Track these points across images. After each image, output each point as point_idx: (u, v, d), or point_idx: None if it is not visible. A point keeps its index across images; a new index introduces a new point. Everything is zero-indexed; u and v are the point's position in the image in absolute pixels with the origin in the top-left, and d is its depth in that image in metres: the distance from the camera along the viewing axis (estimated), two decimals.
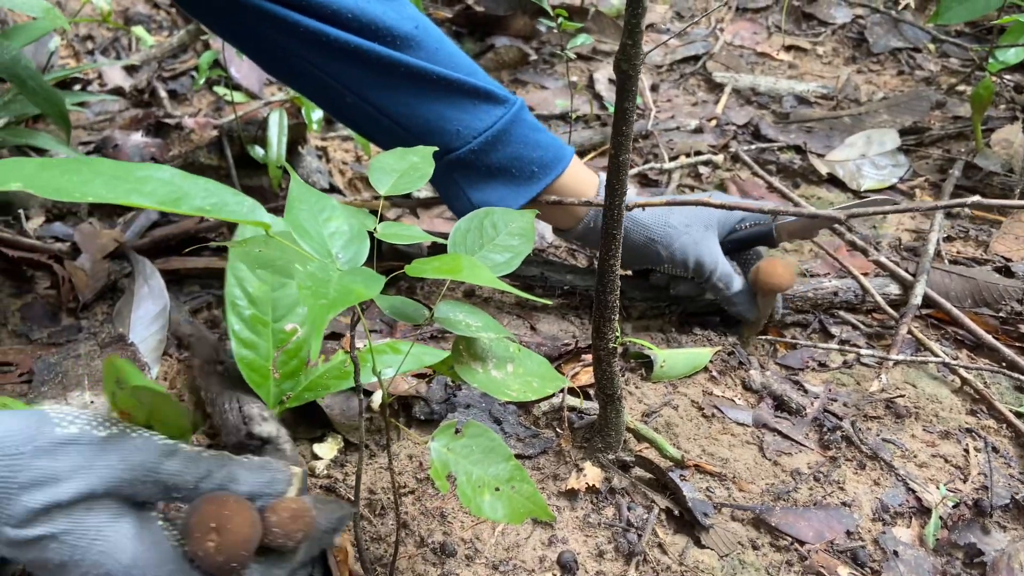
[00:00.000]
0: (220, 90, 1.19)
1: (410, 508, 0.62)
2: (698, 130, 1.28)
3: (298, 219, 0.43)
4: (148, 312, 0.77)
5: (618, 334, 0.60)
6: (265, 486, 0.48)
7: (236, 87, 1.21)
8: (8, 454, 0.42)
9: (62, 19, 0.81)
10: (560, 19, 1.01)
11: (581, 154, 1.20)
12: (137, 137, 0.97)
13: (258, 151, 0.97)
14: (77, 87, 1.10)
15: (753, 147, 1.23)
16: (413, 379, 0.74)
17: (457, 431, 0.46)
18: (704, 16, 1.70)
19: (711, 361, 0.80)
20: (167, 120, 1.00)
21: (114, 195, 0.36)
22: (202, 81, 0.98)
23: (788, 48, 1.59)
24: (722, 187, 1.16)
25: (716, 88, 1.44)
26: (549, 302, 0.60)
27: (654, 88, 1.41)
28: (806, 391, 0.78)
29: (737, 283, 0.80)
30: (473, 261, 0.43)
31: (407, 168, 0.52)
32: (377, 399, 0.72)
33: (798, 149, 1.23)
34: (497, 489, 0.44)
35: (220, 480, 0.47)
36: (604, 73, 1.39)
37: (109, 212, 0.93)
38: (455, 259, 0.43)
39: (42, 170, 0.36)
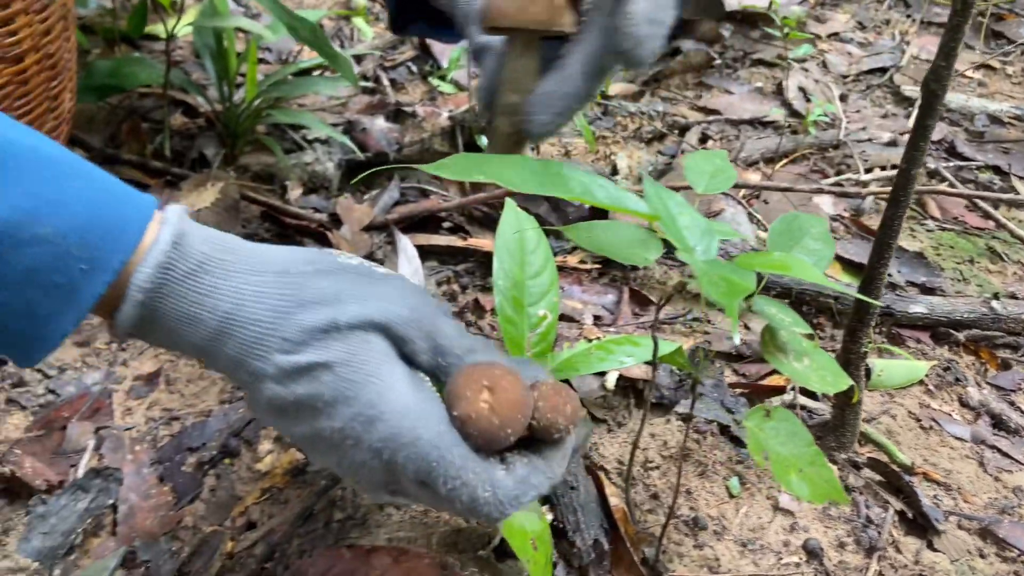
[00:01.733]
0: (434, 81, 1.27)
1: (658, 482, 0.67)
2: (891, 143, 1.27)
3: (665, 208, 0.47)
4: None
5: (870, 339, 0.63)
6: (528, 375, 0.44)
7: (443, 78, 1.28)
8: (289, 272, 0.41)
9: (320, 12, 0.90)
10: (787, 29, 1.03)
11: (771, 161, 1.22)
12: (380, 122, 1.06)
13: (483, 140, 1.04)
14: (315, 73, 1.20)
15: (951, 164, 1.21)
16: (644, 365, 0.79)
17: (767, 414, 0.51)
18: (886, 27, 1.67)
19: (926, 375, 0.82)
20: (405, 108, 1.09)
21: (548, 189, 0.42)
22: (450, 76, 1.05)
23: (978, 67, 1.54)
24: (920, 203, 1.15)
25: (904, 101, 1.42)
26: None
27: (843, 98, 1.40)
28: (1023, 411, 0.78)
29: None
30: (802, 261, 0.47)
31: (714, 170, 0.57)
32: (611, 380, 0.78)
33: (997, 169, 1.21)
34: (800, 470, 0.49)
35: (485, 359, 0.44)
36: (795, 80, 1.39)
37: (355, 188, 1.02)
38: (787, 258, 0.48)
39: (492, 165, 0.42)
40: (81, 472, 0.62)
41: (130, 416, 0.69)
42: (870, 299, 0.60)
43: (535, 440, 0.43)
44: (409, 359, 0.43)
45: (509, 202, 0.78)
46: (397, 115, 1.09)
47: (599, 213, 0.95)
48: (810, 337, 0.57)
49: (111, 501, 0.59)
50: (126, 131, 1.01)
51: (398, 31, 0.77)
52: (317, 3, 1.45)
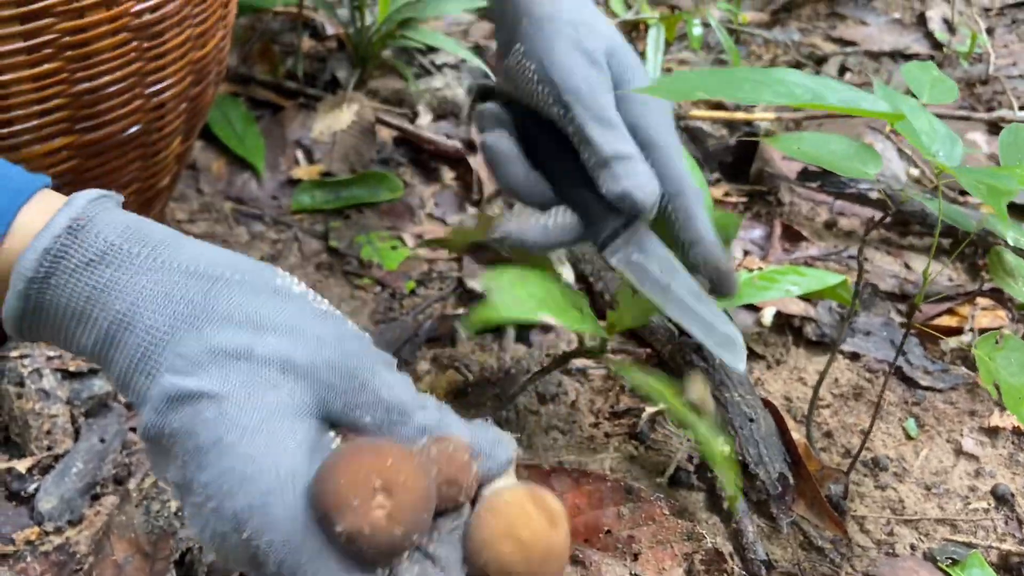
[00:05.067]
0: None
1: (829, 420, 0.64)
2: None
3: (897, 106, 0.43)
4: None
5: None
6: (488, 445, 0.36)
7: None
8: (209, 277, 0.35)
9: None
10: None
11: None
12: None
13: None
14: None
15: None
16: (802, 302, 0.75)
17: (997, 342, 0.46)
18: None
19: None
20: None
21: (770, 97, 0.38)
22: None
23: None
24: None
25: None
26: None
27: (990, 31, 1.29)
28: None
29: None
30: None
31: (933, 80, 0.51)
32: (768, 316, 0.74)
33: None
34: None
35: (437, 419, 0.36)
36: (938, 11, 1.29)
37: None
38: None
39: (708, 79, 0.38)
40: None
41: None
42: None
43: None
44: (337, 416, 0.35)
45: None
46: None
47: (744, 148, 0.90)
48: None
49: None
50: (257, 52, 1.00)
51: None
52: None
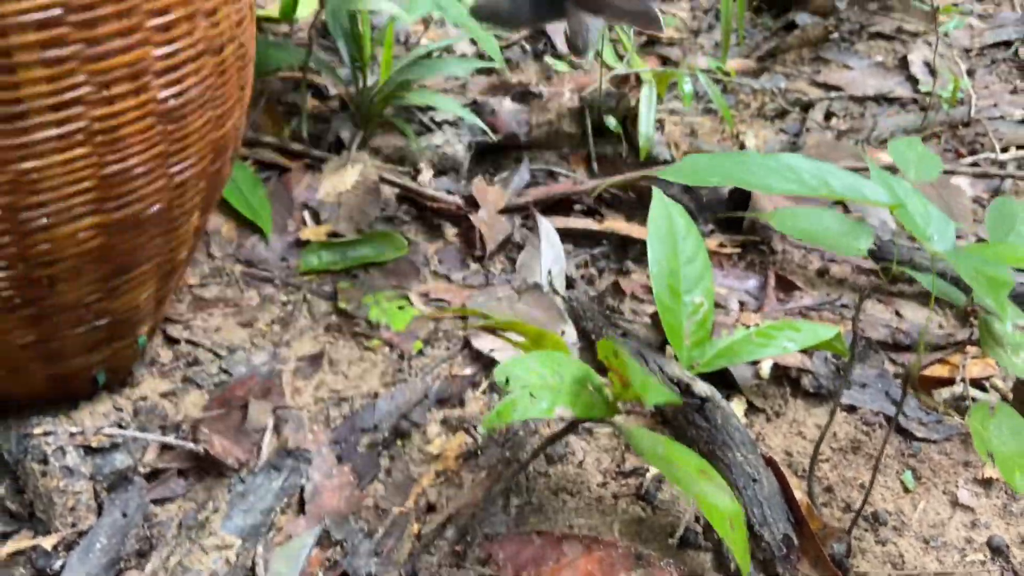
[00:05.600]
0: (549, 60, 1.25)
1: (829, 474, 0.65)
2: None
3: (894, 193, 0.45)
4: (547, 264, 0.84)
5: None
6: None
7: (560, 57, 1.26)
8: None
9: None
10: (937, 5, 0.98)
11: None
12: (508, 103, 1.04)
13: (611, 121, 1.02)
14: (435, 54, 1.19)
15: None
16: (798, 353, 0.76)
17: (991, 411, 0.48)
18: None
19: None
20: (531, 90, 1.07)
21: (781, 184, 0.40)
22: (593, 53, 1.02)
23: None
24: None
25: None
26: None
27: (970, 73, 1.33)
28: None
29: None
30: None
31: (918, 157, 0.54)
32: (766, 368, 0.76)
33: None
34: None
35: None
36: (919, 55, 1.33)
37: (484, 170, 1.01)
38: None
39: (722, 166, 0.41)
40: (265, 451, 0.63)
41: (299, 396, 0.70)
42: None
43: None
44: None
45: (657, 192, 0.76)
46: (523, 96, 1.08)
47: (739, 195, 0.92)
48: None
49: (302, 480, 0.60)
50: (263, 113, 1.02)
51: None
52: None
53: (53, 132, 0.50)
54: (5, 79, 0.48)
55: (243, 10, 0.58)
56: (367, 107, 1.00)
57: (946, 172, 1.05)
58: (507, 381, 0.50)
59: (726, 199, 0.94)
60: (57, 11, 0.48)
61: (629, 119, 1.03)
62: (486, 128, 0.97)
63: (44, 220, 0.53)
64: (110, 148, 0.53)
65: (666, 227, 0.73)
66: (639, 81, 1.09)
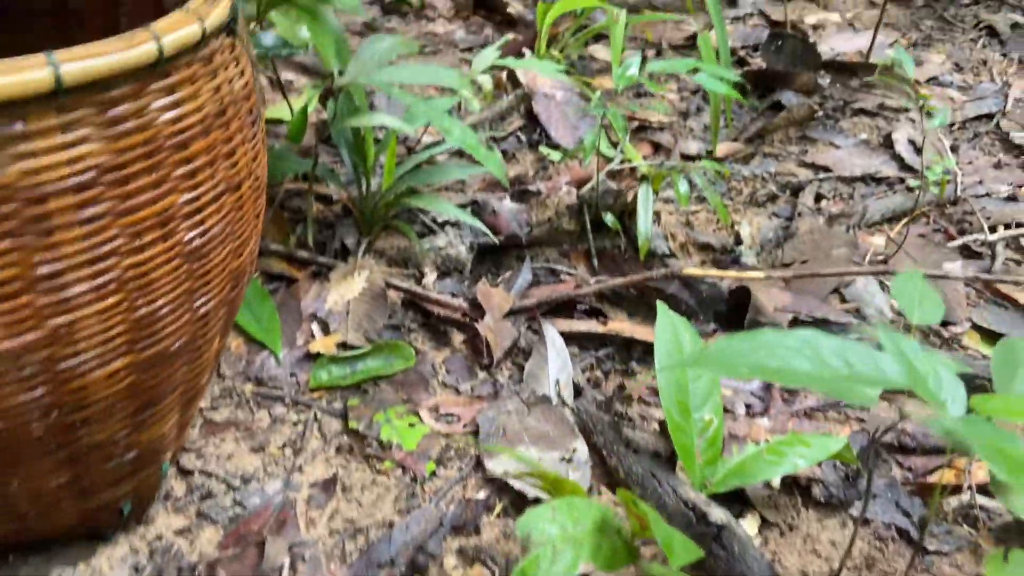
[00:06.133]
0: (543, 150, 1.27)
1: None
2: (1011, 198, 1.22)
3: (911, 365, 0.46)
4: (555, 373, 0.84)
5: None
6: None
7: (555, 146, 1.28)
8: None
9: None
10: (922, 102, 1.01)
11: (892, 220, 1.18)
12: (508, 203, 1.06)
13: (609, 218, 1.03)
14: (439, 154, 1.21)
15: None
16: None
17: (1005, 557, 0.49)
18: (984, 67, 1.61)
19: None
20: (528, 188, 1.09)
21: (807, 366, 0.41)
22: (589, 158, 1.05)
23: None
24: None
25: (1014, 148, 1.37)
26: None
27: (954, 149, 1.36)
28: None
29: None
30: None
31: (920, 295, 0.55)
32: (776, 479, 0.76)
33: None
34: None
35: None
36: (903, 133, 1.36)
37: (487, 270, 1.02)
38: None
39: (748, 358, 0.41)
40: None
41: (314, 528, 0.69)
42: None
43: None
44: None
45: (661, 307, 0.77)
46: (522, 195, 1.09)
47: (739, 292, 0.94)
48: None
49: None
50: (270, 222, 1.03)
51: None
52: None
53: (88, 285, 0.50)
54: (44, 241, 0.48)
55: (257, 145, 0.60)
56: (371, 212, 1.01)
57: (938, 277, 1.07)
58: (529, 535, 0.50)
59: (726, 296, 0.95)
60: (91, 173, 0.48)
61: (627, 214, 1.05)
62: (488, 232, 0.98)
63: (80, 367, 0.53)
64: (141, 293, 0.53)
65: (673, 343, 0.74)
66: (634, 172, 1.11)
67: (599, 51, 1.60)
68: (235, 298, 0.65)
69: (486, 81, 1.06)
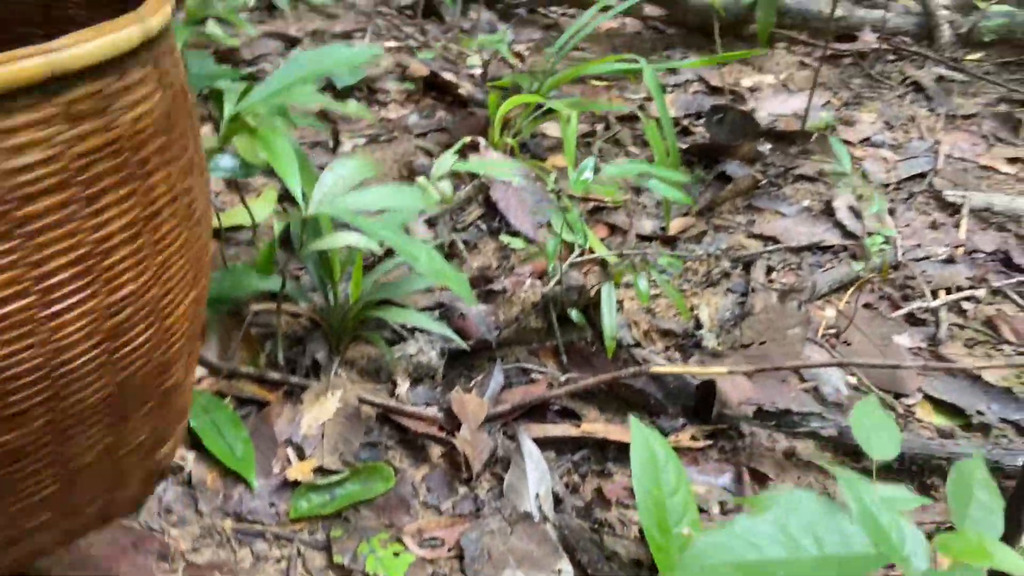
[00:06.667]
0: (504, 238, 1.29)
1: None
2: (949, 260, 1.28)
3: (869, 515, 0.48)
4: (534, 486, 0.85)
5: None
6: None
7: (515, 233, 1.31)
8: None
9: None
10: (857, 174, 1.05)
11: (839, 290, 1.23)
12: (481, 307, 1.07)
13: (574, 314, 1.06)
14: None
15: (1013, 280, 1.23)
16: None
17: None
18: (912, 124, 1.69)
19: None
20: (495, 287, 1.11)
21: (782, 560, 0.43)
22: (552, 262, 1.07)
23: (1011, 160, 1.57)
24: (989, 323, 1.16)
25: (948, 207, 1.44)
26: None
27: (891, 212, 1.42)
28: None
29: None
30: (1006, 551, 0.48)
31: (877, 426, 0.58)
32: None
33: None
34: None
35: None
36: (844, 200, 1.41)
37: (459, 374, 1.03)
38: (988, 547, 0.48)
39: (728, 554, 0.43)
40: None
41: None
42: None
43: None
44: None
45: (634, 423, 0.78)
46: (488, 295, 1.11)
47: (705, 387, 0.96)
48: None
49: None
50: (240, 341, 1.02)
51: None
52: (379, 158, 1.49)
53: None
54: None
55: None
56: (339, 324, 1.01)
57: (884, 367, 1.11)
58: None
59: (693, 389, 0.98)
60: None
61: (591, 306, 1.07)
62: (457, 339, 1.00)
63: None
64: None
65: (648, 459, 0.76)
66: (594, 258, 1.14)
67: (549, 127, 1.64)
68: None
69: (446, 187, 1.08)
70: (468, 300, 0.83)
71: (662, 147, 1.23)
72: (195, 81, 0.97)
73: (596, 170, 1.00)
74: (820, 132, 1.58)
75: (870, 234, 1.31)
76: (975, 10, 2.02)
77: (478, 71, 1.85)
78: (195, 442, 0.89)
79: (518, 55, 2.00)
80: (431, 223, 1.32)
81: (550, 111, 1.46)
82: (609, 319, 0.99)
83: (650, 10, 2.14)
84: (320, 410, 0.93)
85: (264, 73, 1.77)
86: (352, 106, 0.95)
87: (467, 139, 1.25)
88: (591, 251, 1.15)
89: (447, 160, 1.10)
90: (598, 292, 1.05)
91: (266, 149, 0.89)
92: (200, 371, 0.98)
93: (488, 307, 1.07)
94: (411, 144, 1.53)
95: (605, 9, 2.27)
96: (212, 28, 2.03)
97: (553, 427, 0.94)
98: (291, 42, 1.96)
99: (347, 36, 2.03)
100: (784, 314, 1.12)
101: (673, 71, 1.96)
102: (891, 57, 1.99)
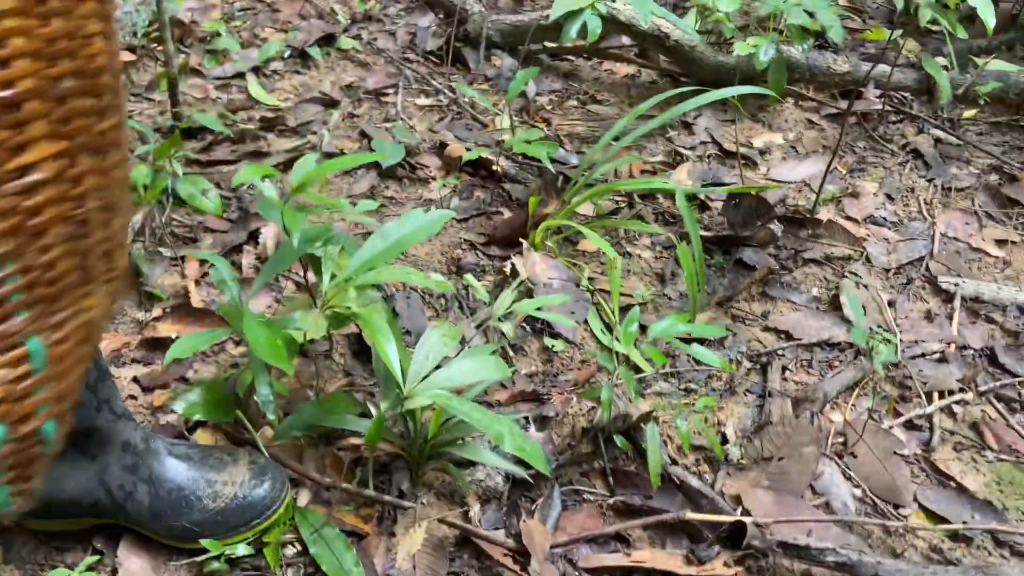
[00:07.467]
0: (548, 341, 1.43)
1: None
2: (943, 359, 1.43)
3: None
4: None
5: None
6: None
7: (556, 335, 1.44)
8: None
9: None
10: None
11: (847, 391, 1.38)
12: (533, 433, 1.22)
13: (620, 439, 1.21)
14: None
15: (996, 384, 1.38)
16: None
17: None
18: (911, 195, 1.82)
19: None
20: (547, 413, 1.25)
21: None
22: (607, 414, 1.20)
23: (999, 243, 1.70)
24: (975, 428, 1.32)
25: (941, 293, 1.58)
26: None
27: (891, 304, 1.56)
28: None
29: None
30: None
31: None
32: None
33: None
34: None
35: None
36: (849, 295, 1.55)
37: (520, 494, 1.18)
38: None
39: None
40: None
41: None
42: None
43: None
44: None
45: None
46: (543, 420, 1.25)
47: (736, 525, 1.12)
48: None
49: None
50: (329, 461, 1.17)
51: None
52: (427, 252, 1.61)
53: None
54: None
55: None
56: (418, 456, 1.16)
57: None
58: None
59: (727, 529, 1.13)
60: None
61: (633, 429, 1.22)
62: (520, 471, 1.14)
63: None
64: None
65: None
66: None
67: (583, 207, 1.75)
68: None
69: (508, 329, 1.21)
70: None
71: (692, 269, 1.36)
72: (299, 249, 1.08)
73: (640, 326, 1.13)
74: (828, 214, 1.70)
75: (872, 331, 1.46)
76: (973, 66, 2.12)
77: (507, 136, 1.94)
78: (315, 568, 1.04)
79: (541, 115, 2.09)
80: (481, 327, 1.45)
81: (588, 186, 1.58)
82: (653, 457, 1.14)
83: (667, 61, 2.22)
84: (411, 543, 1.08)
85: (312, 145, 1.86)
86: (434, 279, 1.07)
87: (507, 268, 1.38)
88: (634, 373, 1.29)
89: (506, 299, 1.22)
90: (639, 419, 1.20)
91: (366, 327, 1.02)
92: (304, 491, 1.13)
93: (543, 435, 1.22)
94: (456, 235, 1.64)
95: (621, 60, 2.33)
96: (254, 88, 2.10)
97: (607, 557, 1.10)
98: (329, 104, 2.04)
99: (380, 94, 2.11)
100: (799, 429, 1.27)
101: (688, 128, 2.06)
102: (892, 118, 2.09)
